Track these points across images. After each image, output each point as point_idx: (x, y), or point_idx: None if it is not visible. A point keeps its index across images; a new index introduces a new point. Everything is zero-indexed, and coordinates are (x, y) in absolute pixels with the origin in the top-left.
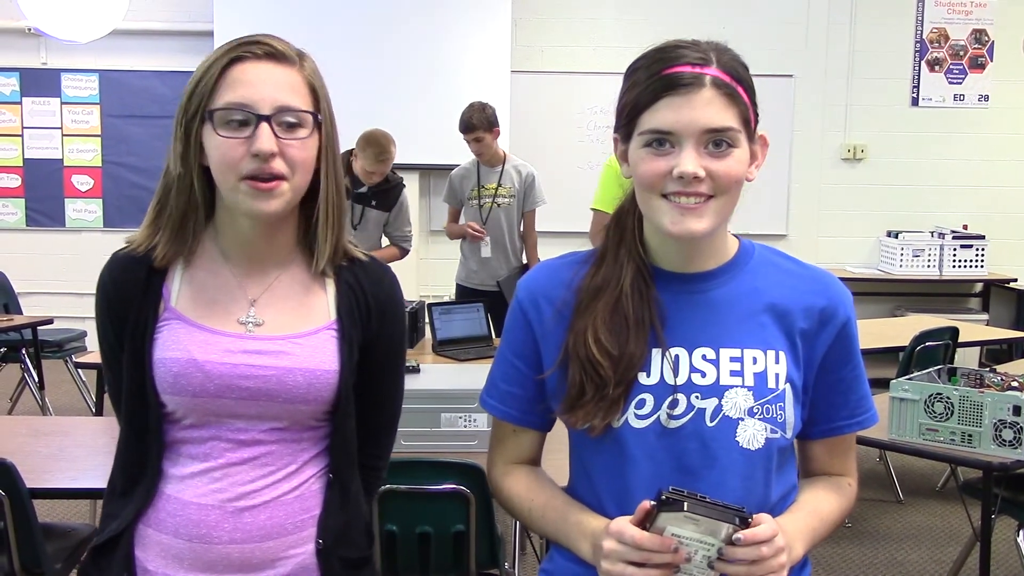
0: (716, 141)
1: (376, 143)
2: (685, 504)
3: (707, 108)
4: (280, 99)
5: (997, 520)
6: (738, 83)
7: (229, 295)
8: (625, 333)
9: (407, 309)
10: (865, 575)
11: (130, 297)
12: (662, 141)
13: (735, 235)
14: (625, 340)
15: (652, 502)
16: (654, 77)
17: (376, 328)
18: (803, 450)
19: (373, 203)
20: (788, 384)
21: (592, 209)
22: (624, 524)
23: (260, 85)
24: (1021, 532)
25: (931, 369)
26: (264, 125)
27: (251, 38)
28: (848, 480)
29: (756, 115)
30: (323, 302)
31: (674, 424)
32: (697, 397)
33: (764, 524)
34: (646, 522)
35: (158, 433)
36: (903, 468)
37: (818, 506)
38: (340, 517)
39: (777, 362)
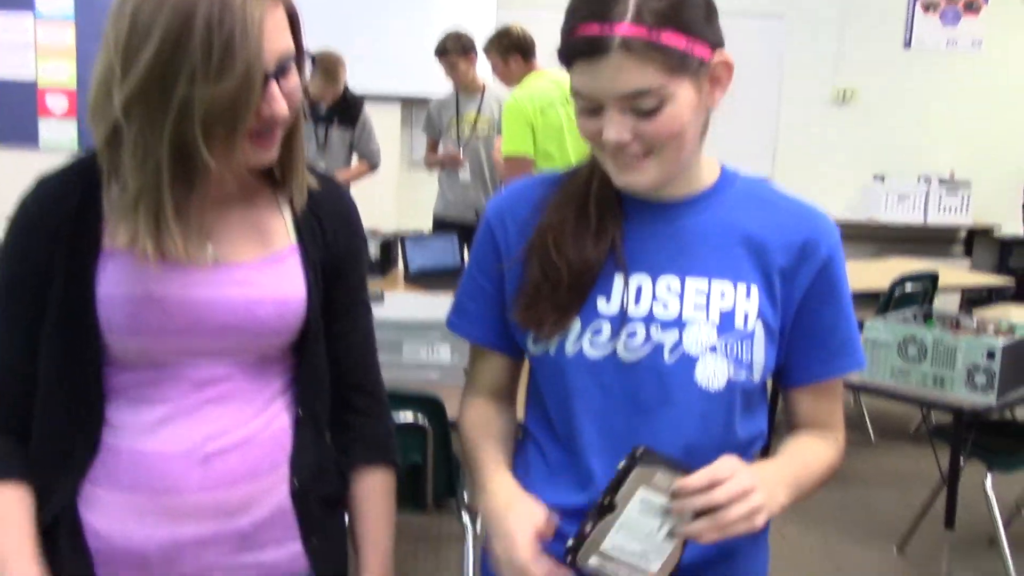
0: (639, 103)
1: (324, 67)
2: (659, 464)
3: (618, 74)
4: (279, 47)
5: (968, 465)
6: (660, 29)
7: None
8: (585, 239)
9: (382, 240)
10: (833, 516)
11: (61, 226)
12: (588, 103)
13: (722, 164)
14: (583, 245)
15: (621, 463)
16: (567, 37)
17: (341, 246)
18: (787, 401)
19: (335, 121)
20: (760, 322)
21: (506, 157)
22: (527, 560)
23: (269, 36)
24: (989, 477)
25: (907, 310)
26: (273, 83)
27: None
28: (835, 434)
29: (709, 41)
30: (281, 226)
31: (630, 357)
32: (657, 329)
33: (703, 470)
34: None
35: (98, 383)
36: (878, 412)
37: (802, 455)
38: (313, 454)
39: (748, 297)
